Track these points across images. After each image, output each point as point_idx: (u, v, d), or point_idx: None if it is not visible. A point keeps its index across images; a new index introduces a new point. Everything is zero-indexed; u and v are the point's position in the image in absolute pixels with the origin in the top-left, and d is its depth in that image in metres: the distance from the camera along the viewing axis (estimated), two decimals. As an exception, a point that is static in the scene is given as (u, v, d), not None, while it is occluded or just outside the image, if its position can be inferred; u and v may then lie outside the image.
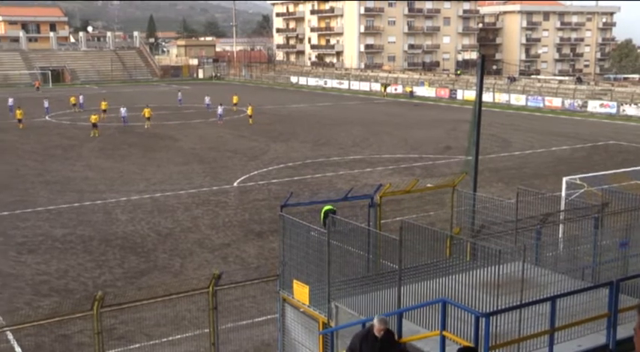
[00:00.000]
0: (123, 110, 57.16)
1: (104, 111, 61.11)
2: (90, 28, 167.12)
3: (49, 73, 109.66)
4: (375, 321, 10.01)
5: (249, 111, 58.45)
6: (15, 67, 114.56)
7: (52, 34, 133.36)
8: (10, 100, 66.55)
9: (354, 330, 11.66)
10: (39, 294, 19.51)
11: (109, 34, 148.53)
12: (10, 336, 16.36)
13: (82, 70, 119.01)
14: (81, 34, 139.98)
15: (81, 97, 73.12)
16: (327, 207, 18.06)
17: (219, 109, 60.07)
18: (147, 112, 55.85)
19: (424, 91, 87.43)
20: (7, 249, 23.78)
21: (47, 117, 62.70)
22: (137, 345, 16.03)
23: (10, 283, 20.39)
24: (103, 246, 23.93)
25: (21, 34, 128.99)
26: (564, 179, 19.87)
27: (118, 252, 23.19)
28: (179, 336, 16.37)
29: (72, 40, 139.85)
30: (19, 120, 55.50)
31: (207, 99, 70.29)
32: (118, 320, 16.45)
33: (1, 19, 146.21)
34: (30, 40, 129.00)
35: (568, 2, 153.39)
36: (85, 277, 20.85)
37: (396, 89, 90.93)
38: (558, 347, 10.06)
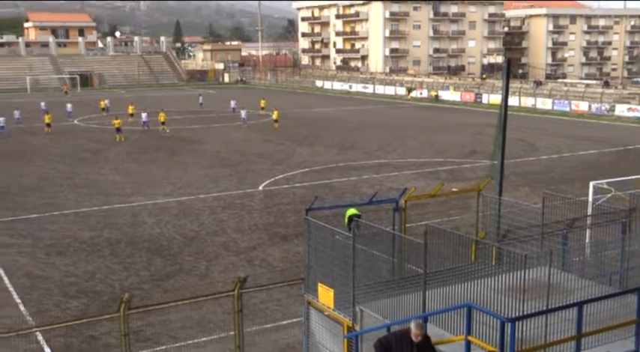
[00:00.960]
0: (144, 115, 57.67)
1: (131, 115, 61.66)
2: (117, 33, 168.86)
3: (78, 77, 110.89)
4: (413, 326, 9.75)
5: (274, 116, 58.67)
6: (45, 71, 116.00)
7: (80, 39, 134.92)
8: (43, 104, 67.46)
9: (378, 334, 11.63)
10: (67, 296, 19.65)
11: (136, 38, 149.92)
12: (40, 337, 16.53)
13: (109, 74, 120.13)
14: (109, 39, 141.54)
15: (108, 101, 73.88)
16: (351, 212, 18.01)
17: (243, 113, 60.39)
18: (162, 117, 56.41)
19: (449, 95, 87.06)
20: (36, 250, 24.02)
21: (75, 121, 63.34)
22: (163, 347, 16.12)
23: (39, 284, 20.59)
24: (129, 248, 24.08)
25: (50, 39, 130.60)
26: (591, 183, 19.64)
27: (144, 255, 23.31)
28: (205, 339, 16.44)
29: (100, 45, 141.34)
30: (48, 125, 56.18)
31: (232, 103, 70.68)
32: (145, 322, 16.53)
33: (31, 25, 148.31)
34: (59, 45, 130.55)
35: (595, 5, 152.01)
36: (112, 279, 20.98)
37: (421, 93, 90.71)
38: (585, 353, 9.95)
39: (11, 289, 20.20)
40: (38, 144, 50.21)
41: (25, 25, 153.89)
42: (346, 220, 17.68)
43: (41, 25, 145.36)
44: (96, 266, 22.23)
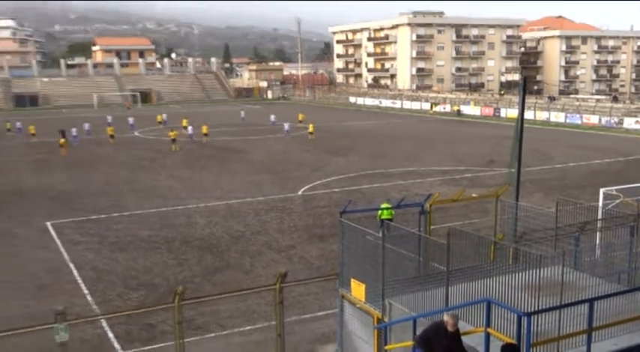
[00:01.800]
0: (190, 128, 58.38)
1: (185, 127, 62.36)
2: (173, 55, 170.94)
3: (138, 94, 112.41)
4: (449, 317, 9.62)
5: (310, 128, 58.84)
6: (109, 89, 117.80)
7: (141, 60, 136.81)
8: (109, 118, 68.61)
9: (406, 325, 11.57)
10: (128, 288, 19.84)
11: (190, 60, 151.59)
12: (104, 323, 16.74)
13: (166, 91, 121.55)
14: (166, 60, 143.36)
15: (165, 115, 74.79)
16: (385, 210, 17.93)
17: (286, 126, 60.66)
18: (205, 129, 56.87)
19: (470, 110, 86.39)
20: (102, 247, 24.34)
21: (136, 133, 64.21)
22: (212, 335, 16.20)
23: (104, 277, 20.84)
24: (183, 246, 24.25)
25: (115, 60, 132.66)
26: (601, 190, 19.31)
27: (196, 252, 23.46)
28: (249, 327, 16.49)
29: (158, 65, 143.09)
30: (111, 136, 57.05)
31: (272, 117, 71.05)
32: (196, 312, 16.65)
33: (98, 48, 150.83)
34: (122, 65, 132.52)
35: (604, 27, 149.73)
36: (167, 273, 21.14)
37: (444, 108, 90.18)
38: (595, 346, 9.78)
39: (80, 281, 20.50)
40: (104, 153, 50.96)
41: (93, 48, 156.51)
42: (379, 213, 17.67)
43: (107, 49, 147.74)
44: (153, 261, 22.46)
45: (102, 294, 19.22)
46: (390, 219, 16.10)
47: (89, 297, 19.00)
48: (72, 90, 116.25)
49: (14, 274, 21.33)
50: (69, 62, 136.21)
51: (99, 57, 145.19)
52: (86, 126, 62.37)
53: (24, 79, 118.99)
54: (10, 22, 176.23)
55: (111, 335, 16.32)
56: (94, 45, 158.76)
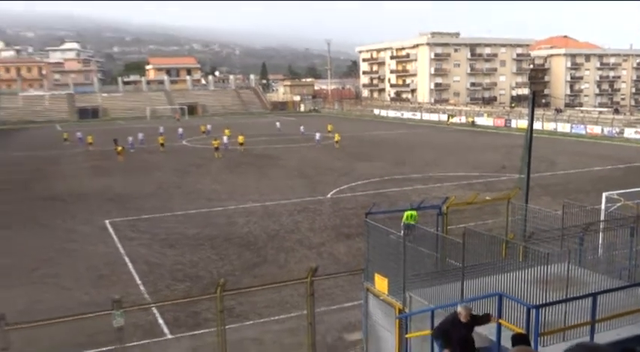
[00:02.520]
0: (225, 138, 58.31)
1: (228, 137, 62.69)
2: (217, 73, 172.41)
3: (186, 107, 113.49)
4: (462, 309, 9.55)
5: (336, 138, 58.84)
6: (160, 103, 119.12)
7: (188, 77, 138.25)
8: (161, 128, 69.46)
9: (424, 316, 11.51)
10: (176, 279, 20.03)
11: (231, 77, 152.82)
12: (155, 310, 16.92)
13: (210, 104, 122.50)
14: (210, 77, 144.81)
15: (209, 126, 75.37)
16: (409, 213, 17.80)
17: (317, 135, 60.71)
18: (241, 139, 56.86)
19: (484, 121, 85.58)
20: (153, 243, 24.60)
21: (184, 142, 64.82)
22: (250, 322, 16.27)
23: (155, 270, 21.07)
24: (225, 243, 24.38)
25: (165, 77, 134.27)
26: (604, 194, 19.02)
27: (236, 248, 23.57)
28: (283, 316, 16.53)
29: (203, 81, 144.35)
30: (162, 145, 57.62)
31: (302, 128, 71.12)
32: (236, 302, 16.73)
33: (151, 67, 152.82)
34: (172, 82, 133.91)
35: (606, 46, 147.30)
36: (210, 267, 21.28)
37: (460, 119, 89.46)
38: (598, 336, 9.64)
39: (134, 273, 20.75)
40: (155, 160, 51.49)
41: (147, 67, 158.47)
42: (404, 217, 17.60)
43: (158, 67, 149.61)
44: (198, 256, 22.61)
45: (153, 285, 19.44)
46: (414, 225, 16.03)
47: (142, 287, 19.24)
48: (128, 104, 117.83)
49: (77, 266, 21.69)
50: (125, 79, 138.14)
51: (151, 75, 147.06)
52: (140, 135, 63.16)
53: (86, 94, 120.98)
54: (75, 45, 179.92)
55: (161, 321, 16.51)
56: (148, 64, 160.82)
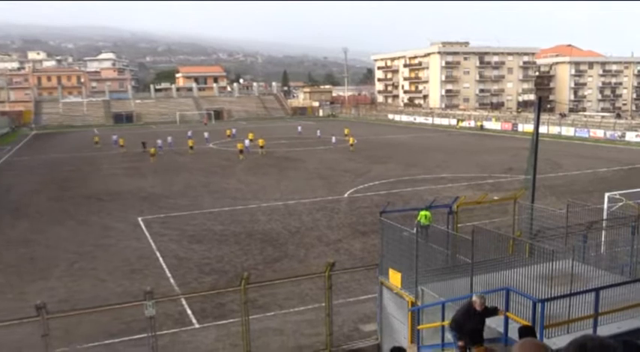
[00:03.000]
0: (246, 141, 58.28)
1: (251, 140, 62.90)
2: (241, 80, 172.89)
3: (212, 112, 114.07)
4: (476, 298, 9.44)
5: (350, 141, 58.69)
6: (189, 108, 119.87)
7: (214, 84, 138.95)
8: (189, 132, 69.86)
9: (436, 308, 11.45)
10: (203, 273, 20.13)
11: (254, 84, 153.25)
12: (184, 302, 17.02)
13: (235, 110, 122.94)
14: (235, 84, 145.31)
15: (234, 130, 75.66)
16: (423, 213, 17.60)
17: (333, 139, 60.70)
18: (261, 142, 56.78)
19: (492, 125, 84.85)
20: (182, 239, 24.75)
21: (210, 145, 65.12)
22: (272, 313, 16.29)
23: (184, 264, 21.19)
24: (248, 239, 24.45)
25: (194, 85, 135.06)
26: (606, 194, 18.74)
27: (259, 244, 23.62)
28: (303, 308, 16.53)
29: (228, 88, 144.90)
30: (191, 147, 57.94)
31: (318, 132, 71.04)
32: (259, 294, 16.77)
33: (180, 75, 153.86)
34: (199, 89, 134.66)
35: (608, 54, 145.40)
36: (235, 261, 21.35)
37: (469, 123, 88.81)
38: (601, 329, 9.52)
39: (164, 266, 20.89)
40: (184, 161, 51.78)
41: (176, 75, 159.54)
42: (419, 217, 17.40)
43: (187, 75, 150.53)
44: (224, 251, 22.70)
45: (182, 278, 19.55)
46: (428, 226, 15.87)
47: (172, 280, 19.36)
48: (159, 110, 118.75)
49: (112, 260, 21.89)
50: (157, 87, 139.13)
51: (181, 82, 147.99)
52: (169, 139, 63.61)
53: (121, 100, 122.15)
54: (111, 55, 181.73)
55: (189, 311, 16.60)
56: (177, 72, 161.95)
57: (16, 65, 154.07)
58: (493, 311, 9.65)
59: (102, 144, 65.99)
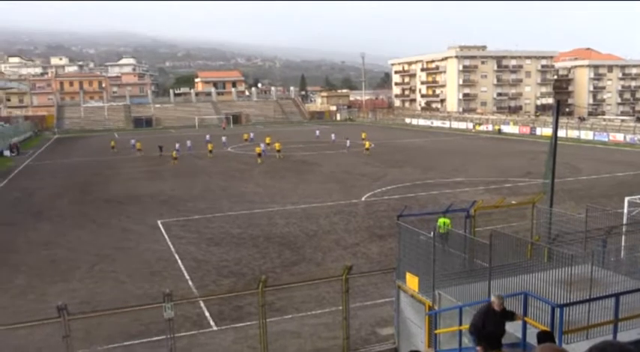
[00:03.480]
0: (262, 145, 58.43)
1: (268, 144, 63.10)
2: (259, 85, 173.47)
3: (231, 117, 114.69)
4: (495, 298, 9.33)
5: (366, 145, 58.56)
6: (208, 113, 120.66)
7: (233, 89, 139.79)
8: (207, 136, 70.29)
9: (453, 313, 11.36)
10: (221, 275, 20.18)
11: (272, 88, 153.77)
12: (202, 304, 17.10)
13: (253, 114, 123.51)
14: (253, 89, 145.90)
15: (252, 134, 75.97)
16: (442, 220, 17.20)
17: (347, 142, 60.77)
18: (277, 146, 56.88)
19: (509, 129, 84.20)
20: (200, 242, 24.85)
21: (229, 149, 65.43)
22: (290, 316, 16.29)
23: (202, 266, 21.27)
24: (266, 242, 24.47)
25: (212, 90, 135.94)
26: (626, 198, 18.47)
27: (276, 247, 23.63)
28: (320, 311, 16.50)
29: (247, 93, 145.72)
30: (210, 151, 58.29)
31: (332, 136, 70.90)
32: (276, 297, 16.79)
33: (199, 80, 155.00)
34: (218, 94, 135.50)
35: (628, 57, 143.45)
36: (253, 264, 21.37)
37: (487, 127, 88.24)
38: (621, 334, 9.36)
39: (183, 269, 21.00)
40: (203, 165, 52.07)
41: (195, 80, 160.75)
42: (438, 224, 16.96)
43: (206, 80, 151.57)
44: (242, 254, 22.75)
45: (200, 280, 19.63)
46: (447, 233, 15.54)
47: (190, 282, 19.44)
48: (178, 114, 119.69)
49: (132, 262, 22.07)
50: (176, 91, 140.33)
51: (200, 87, 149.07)
52: (188, 143, 64.03)
53: (141, 105, 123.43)
54: (131, 60, 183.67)
55: (207, 313, 16.65)
56: (196, 77, 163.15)
57: (39, 71, 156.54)
58: (511, 316, 9.55)
59: (119, 149, 66.62)
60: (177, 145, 59.39)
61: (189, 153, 60.12)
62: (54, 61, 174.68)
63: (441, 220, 16.95)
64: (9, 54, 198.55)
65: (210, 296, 17.40)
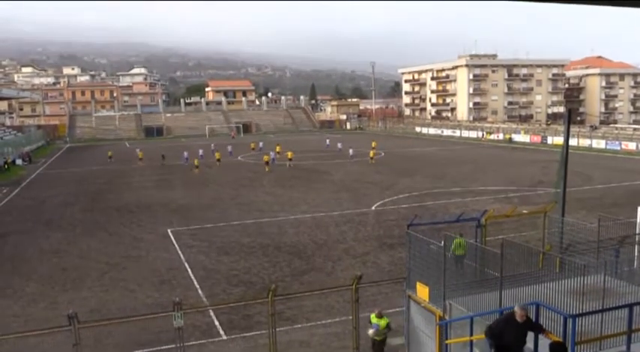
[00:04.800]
0: (272, 153, 58.56)
1: (278, 152, 63.20)
2: (269, 94, 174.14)
3: (241, 126, 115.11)
4: (518, 308, 9.09)
5: (370, 154, 58.47)
6: (218, 122, 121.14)
7: (243, 98, 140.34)
8: (212, 146, 70.51)
9: (464, 323, 11.27)
10: (231, 284, 20.18)
11: (282, 97, 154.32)
12: (212, 313, 17.10)
13: (263, 123, 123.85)
14: (263, 98, 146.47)
15: (260, 143, 76.11)
16: (458, 242, 16.45)
17: (351, 151, 60.93)
18: (290, 154, 57.03)
19: (520, 138, 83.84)
20: (210, 251, 24.88)
21: (239, 158, 65.55)
22: (299, 325, 16.24)
23: (212, 275, 21.29)
24: (276, 251, 24.46)
25: (223, 99, 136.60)
26: (639, 207, 18.31)
27: (286, 256, 23.61)
28: (330, 320, 16.45)
29: (257, 102, 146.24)
30: (218, 160, 58.38)
31: (339, 145, 70.72)
32: (286, 306, 16.76)
33: (210, 89, 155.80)
34: (229, 103, 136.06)
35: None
36: (263, 273, 21.36)
37: (497, 136, 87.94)
38: (635, 346, 9.25)
39: (193, 278, 21.02)
40: (213, 173, 52.20)
41: (206, 89, 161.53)
42: (453, 247, 16.15)
43: (216, 89, 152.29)
44: (252, 263, 22.75)
45: (209, 289, 19.63)
46: (463, 255, 15.17)
47: (200, 291, 19.46)
48: (189, 123, 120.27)
49: (142, 271, 22.13)
50: (187, 101, 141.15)
51: (210, 96, 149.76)
52: (200, 151, 64.28)
53: (152, 114, 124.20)
54: (143, 70, 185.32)
55: (217, 322, 16.65)
56: (207, 87, 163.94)
57: (51, 80, 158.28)
58: (538, 327, 9.31)
59: (115, 160, 65.83)
60: (200, 151, 60.54)
61: (201, 162, 60.21)
62: (66, 70, 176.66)
63: (457, 241, 16.01)
64: (22, 64, 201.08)
65: (219, 305, 17.39)
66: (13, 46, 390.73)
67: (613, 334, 9.19)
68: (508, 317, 9.30)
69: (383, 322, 13.76)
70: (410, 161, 59.17)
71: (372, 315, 14.00)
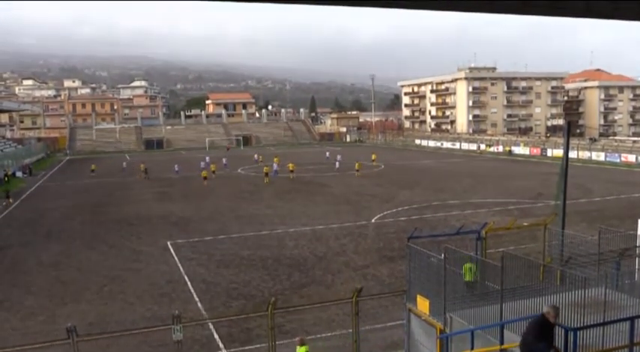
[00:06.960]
0: (274, 165, 58.62)
1: (277, 164, 63.20)
2: (269, 107, 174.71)
3: (241, 138, 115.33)
4: (550, 309, 8.75)
5: (356, 166, 58.37)
6: (218, 134, 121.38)
7: (243, 111, 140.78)
8: (207, 158, 70.24)
9: (464, 336, 11.22)
10: (230, 297, 20.11)
11: (282, 110, 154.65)
12: (211, 326, 17.01)
13: (263, 136, 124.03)
14: (263, 110, 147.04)
15: (255, 155, 76.25)
16: (468, 266, 15.77)
17: (337, 164, 61.31)
18: (291, 166, 57.07)
19: (520, 150, 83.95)
20: (209, 263, 24.82)
21: (239, 170, 65.53)
22: (299, 339, 16.15)
23: (211, 288, 21.23)
24: (275, 264, 24.41)
25: (223, 111, 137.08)
26: (639, 220, 18.29)
27: (286, 269, 23.56)
28: (330, 334, 16.36)
29: (257, 115, 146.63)
30: (213, 172, 58.24)
31: (338, 157, 70.58)
32: (286, 320, 16.67)
33: (210, 102, 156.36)
34: (229, 115, 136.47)
35: (639, 78, 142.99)
36: (262, 286, 21.30)
37: (497, 148, 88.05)
38: (637, 360, 9.20)
39: (192, 291, 20.95)
40: (211, 186, 52.05)
41: (206, 102, 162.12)
42: (464, 272, 15.44)
43: (217, 102, 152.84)
44: (251, 276, 22.68)
45: (209, 302, 19.56)
46: (473, 281, 14.65)
47: (199, 304, 19.39)
48: (189, 136, 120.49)
49: (141, 283, 22.06)
50: (187, 113, 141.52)
51: (211, 109, 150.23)
52: (202, 163, 64.23)
53: (152, 127, 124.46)
54: (143, 83, 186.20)
55: (216, 336, 16.55)
56: (207, 99, 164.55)
57: (52, 93, 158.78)
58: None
59: (98, 172, 65.26)
60: (176, 167, 60.68)
61: (199, 174, 60.25)
62: (67, 83, 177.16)
63: (467, 266, 15.84)
64: (23, 77, 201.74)
65: (219, 318, 17.31)
66: (14, 59, 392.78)
67: (615, 347, 9.15)
68: (539, 322, 8.83)
69: (303, 350, 13.17)
70: (410, 173, 59.19)
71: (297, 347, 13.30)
